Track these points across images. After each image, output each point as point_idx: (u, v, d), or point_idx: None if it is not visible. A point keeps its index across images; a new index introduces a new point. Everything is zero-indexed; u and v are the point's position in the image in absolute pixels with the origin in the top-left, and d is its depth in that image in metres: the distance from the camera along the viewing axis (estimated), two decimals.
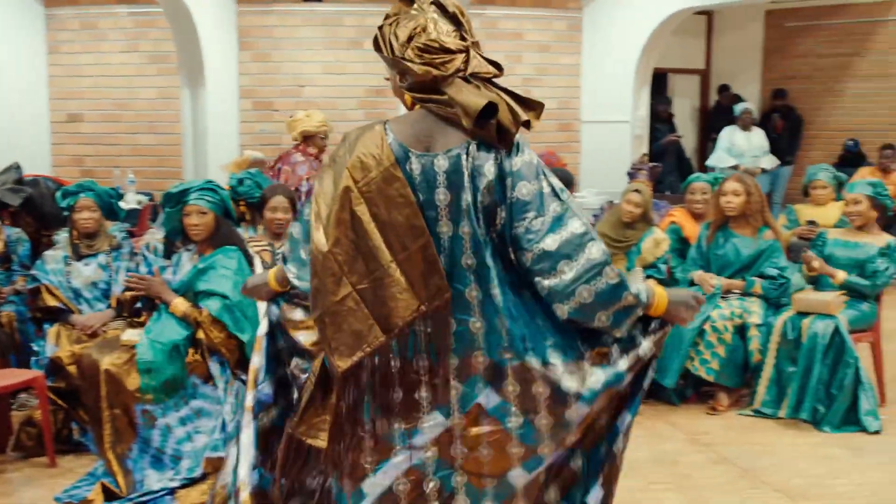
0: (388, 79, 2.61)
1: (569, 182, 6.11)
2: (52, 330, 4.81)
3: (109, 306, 4.98)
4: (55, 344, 4.73)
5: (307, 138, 6.29)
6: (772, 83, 11.82)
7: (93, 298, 4.99)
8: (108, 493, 4.06)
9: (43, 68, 9.43)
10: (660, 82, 11.54)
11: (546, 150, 7.89)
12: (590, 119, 10.19)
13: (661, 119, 11.12)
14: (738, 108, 10.85)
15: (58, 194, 5.18)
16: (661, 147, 10.72)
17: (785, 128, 11.29)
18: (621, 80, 10.01)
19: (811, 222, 6.48)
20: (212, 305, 4.26)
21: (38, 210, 6.12)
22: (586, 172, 9.84)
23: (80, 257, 5.06)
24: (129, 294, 4.95)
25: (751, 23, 12.04)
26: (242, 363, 4.35)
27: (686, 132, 11.76)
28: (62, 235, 5.49)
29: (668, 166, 10.56)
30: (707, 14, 11.93)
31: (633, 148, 10.08)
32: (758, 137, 10.80)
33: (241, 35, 9.30)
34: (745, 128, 10.70)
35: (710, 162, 10.55)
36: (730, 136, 10.71)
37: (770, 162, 10.75)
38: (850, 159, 10.57)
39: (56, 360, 4.61)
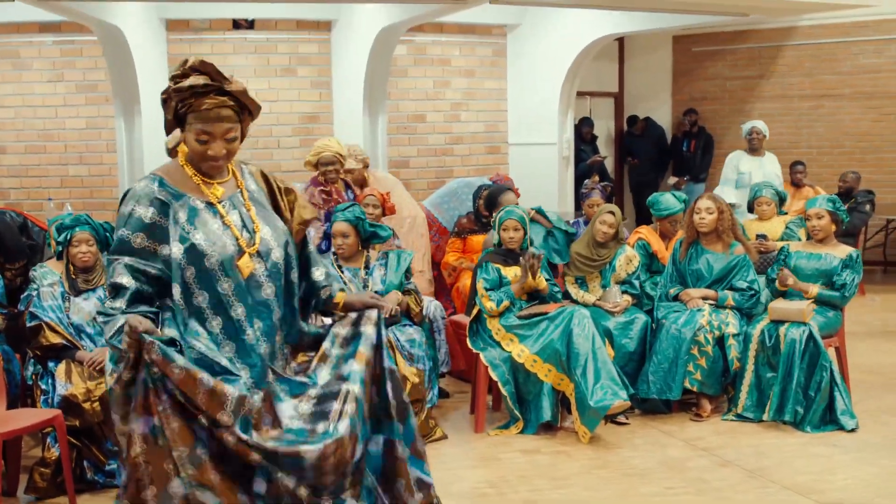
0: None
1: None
2: (60, 368, 4.69)
3: None
4: (67, 381, 4.62)
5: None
6: (682, 105, 12.34)
7: (94, 334, 4.89)
8: None
9: None
10: (576, 105, 11.91)
11: (497, 173, 8.20)
12: (517, 142, 10.48)
13: (585, 140, 11.48)
14: (745, 127, 8.89)
15: (52, 228, 5.07)
16: (586, 168, 11.02)
17: (697, 147, 11.79)
18: (546, 103, 10.32)
19: (761, 236, 6.87)
20: None
21: (1, 243, 5.94)
22: None
23: (78, 292, 4.96)
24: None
25: (660, 48, 12.57)
26: None
27: (603, 153, 12.12)
28: (40, 270, 5.37)
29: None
30: (619, 39, 12.39)
31: (560, 169, 10.41)
32: (771, 163, 8.75)
33: (171, 63, 9.19)
34: (755, 151, 8.82)
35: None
36: (737, 163, 8.78)
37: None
38: None
39: (70, 398, 4.53)
